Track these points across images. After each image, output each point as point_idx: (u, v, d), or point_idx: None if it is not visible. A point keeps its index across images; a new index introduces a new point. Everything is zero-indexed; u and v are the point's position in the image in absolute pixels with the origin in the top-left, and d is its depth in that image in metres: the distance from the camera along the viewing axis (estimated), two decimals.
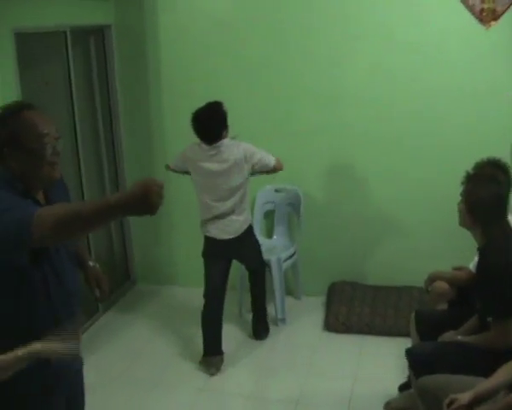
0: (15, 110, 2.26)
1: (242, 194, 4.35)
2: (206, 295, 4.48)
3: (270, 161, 4.41)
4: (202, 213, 4.40)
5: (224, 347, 4.57)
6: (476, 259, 3.35)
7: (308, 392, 4.16)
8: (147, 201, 1.90)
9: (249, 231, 4.52)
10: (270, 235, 5.52)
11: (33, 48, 4.43)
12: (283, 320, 5.08)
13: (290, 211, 5.40)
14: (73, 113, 4.87)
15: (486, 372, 2.76)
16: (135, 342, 4.78)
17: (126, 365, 4.56)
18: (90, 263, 2.80)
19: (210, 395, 4.24)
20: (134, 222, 5.71)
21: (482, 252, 3.19)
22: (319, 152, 5.23)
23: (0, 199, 2.14)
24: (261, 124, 5.25)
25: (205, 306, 4.47)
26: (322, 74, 5.07)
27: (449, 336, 3.38)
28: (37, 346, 2.10)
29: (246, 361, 4.56)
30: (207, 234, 4.42)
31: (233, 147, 4.25)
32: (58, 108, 4.80)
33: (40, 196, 2.33)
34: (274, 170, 4.48)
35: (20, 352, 2.06)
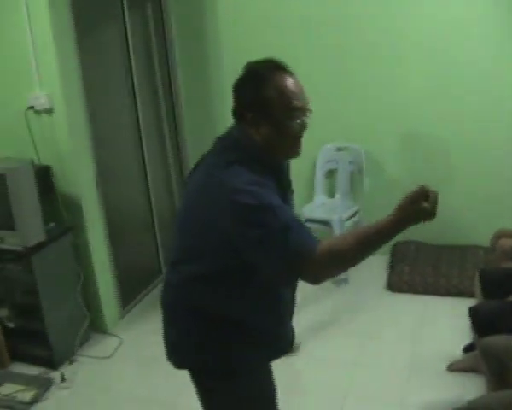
0: (268, 71, 2.07)
1: None
2: None
3: None
4: None
5: None
6: None
7: (369, 353, 4.13)
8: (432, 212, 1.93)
9: None
10: (332, 194, 5.45)
11: (90, 12, 4.44)
12: (346, 280, 5.03)
13: (352, 170, 5.31)
14: (132, 77, 4.90)
15: None
16: None
17: None
18: None
19: None
20: None
21: None
22: (381, 110, 5.13)
23: (265, 189, 1.95)
24: (323, 82, 5.17)
25: None
26: (384, 32, 4.94)
27: None
28: None
29: (306, 322, 4.54)
30: None
31: None
32: (116, 72, 4.83)
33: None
34: None
35: None
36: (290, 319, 2.38)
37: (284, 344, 2.38)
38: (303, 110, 2.08)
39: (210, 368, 2.19)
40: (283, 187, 2.15)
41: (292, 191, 2.30)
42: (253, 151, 2.05)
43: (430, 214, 1.92)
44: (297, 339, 4.11)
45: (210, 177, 2.03)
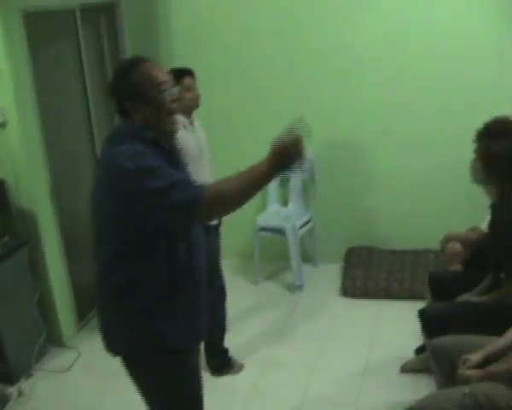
0: (133, 64, 2.34)
1: None
2: None
3: None
4: None
5: (241, 315, 4.69)
6: (489, 218, 3.36)
7: (325, 357, 4.22)
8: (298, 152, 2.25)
9: None
10: (285, 202, 5.54)
11: (43, 28, 4.44)
12: (301, 287, 5.12)
13: (305, 178, 5.41)
14: (86, 92, 4.90)
15: (499, 332, 2.78)
16: None
17: None
18: None
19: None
20: None
21: (496, 207, 3.20)
22: (334, 118, 5.22)
23: (144, 154, 2.21)
24: (274, 89, 5.27)
25: None
26: (337, 39, 5.04)
27: (463, 298, 3.41)
28: None
29: (262, 329, 4.63)
30: None
31: None
32: (70, 87, 4.83)
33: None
34: None
35: None
36: (202, 305, 2.54)
37: (198, 326, 2.53)
38: (169, 82, 2.34)
39: (137, 347, 2.41)
40: (176, 163, 2.41)
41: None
42: (136, 133, 2.30)
43: (296, 155, 2.25)
44: (239, 360, 4.22)
45: (100, 164, 2.40)
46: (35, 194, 4.25)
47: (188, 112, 3.91)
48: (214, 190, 2.20)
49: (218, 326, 4.08)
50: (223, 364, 4.20)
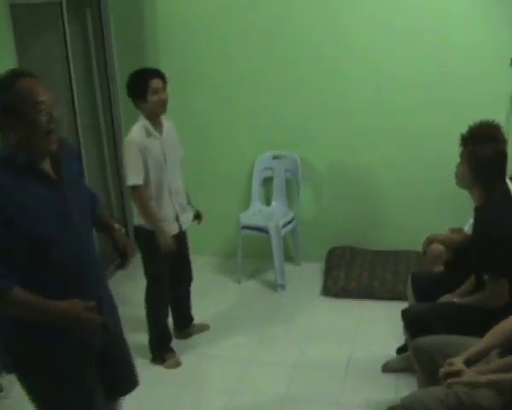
0: (10, 79, 2.23)
1: None
2: None
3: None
4: None
5: (224, 313, 4.71)
6: (471, 220, 3.39)
7: (307, 356, 4.23)
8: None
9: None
10: (268, 202, 5.55)
11: (29, 19, 4.42)
12: (283, 286, 5.13)
13: (288, 177, 5.42)
14: (71, 84, 4.88)
15: (482, 332, 2.79)
16: (138, 310, 4.81)
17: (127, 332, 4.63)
18: (116, 226, 2.81)
19: (209, 360, 4.32)
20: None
21: (480, 210, 3.23)
22: (317, 118, 5.24)
23: None
24: (258, 89, 5.27)
25: None
26: (323, 39, 5.04)
27: (445, 299, 3.43)
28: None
29: (244, 327, 4.63)
30: None
31: None
32: (56, 79, 4.81)
33: (47, 165, 2.33)
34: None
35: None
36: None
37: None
38: (47, 103, 2.23)
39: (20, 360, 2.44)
40: (50, 180, 2.32)
41: (76, 181, 2.51)
42: (6, 159, 2.24)
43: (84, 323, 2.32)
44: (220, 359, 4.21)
45: None
46: None
47: (154, 116, 3.84)
48: (15, 296, 2.20)
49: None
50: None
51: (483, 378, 2.48)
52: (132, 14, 5.40)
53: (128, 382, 2.88)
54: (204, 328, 4.58)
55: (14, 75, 2.25)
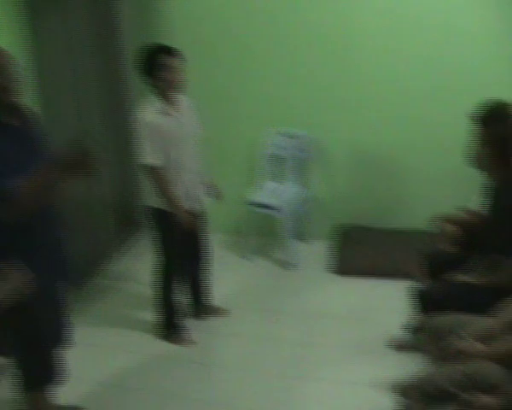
0: None
1: None
2: None
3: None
4: None
5: (234, 291, 4.75)
6: (475, 198, 3.38)
7: (317, 334, 4.25)
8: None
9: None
10: (280, 180, 5.53)
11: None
12: (292, 264, 5.14)
13: (300, 156, 5.39)
14: (83, 64, 4.85)
15: (494, 312, 2.81)
16: (149, 288, 4.82)
17: (140, 310, 4.66)
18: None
19: (222, 338, 4.36)
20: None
21: (499, 191, 3.22)
22: (329, 96, 5.20)
23: None
24: (269, 69, 5.23)
25: None
26: (334, 20, 4.99)
27: (458, 279, 3.43)
28: None
29: (255, 305, 4.65)
30: None
31: None
32: (66, 59, 4.78)
33: (16, 121, 2.74)
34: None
35: None
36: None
37: None
38: (1, 65, 2.63)
39: None
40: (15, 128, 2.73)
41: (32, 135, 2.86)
42: None
43: (83, 165, 2.57)
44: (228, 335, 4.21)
45: None
46: None
47: (165, 94, 3.77)
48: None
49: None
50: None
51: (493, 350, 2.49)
52: None
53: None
54: (224, 312, 4.55)
55: None
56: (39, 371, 3.15)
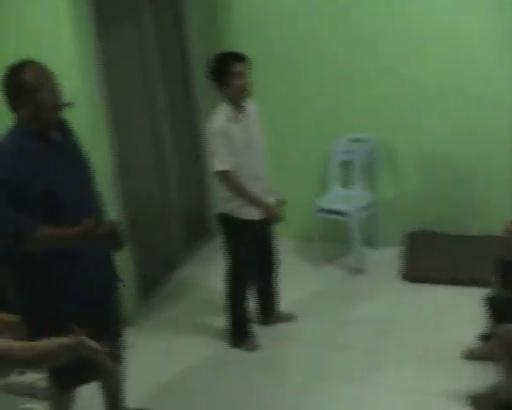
0: (18, 66, 2.67)
1: None
2: None
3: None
4: None
5: (302, 297, 4.71)
6: None
7: (386, 342, 4.17)
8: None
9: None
10: (347, 185, 5.49)
11: (109, 9, 4.48)
12: (361, 270, 5.08)
13: (367, 160, 5.34)
14: (149, 71, 4.95)
15: None
16: (215, 294, 4.85)
17: (206, 316, 4.70)
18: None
19: (288, 344, 4.33)
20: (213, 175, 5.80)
21: None
22: (397, 100, 5.14)
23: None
24: (337, 74, 5.21)
25: None
26: (402, 26, 4.95)
27: None
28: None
29: (323, 312, 4.61)
30: None
31: None
32: (134, 66, 4.88)
33: (56, 134, 2.80)
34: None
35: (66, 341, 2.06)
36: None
37: None
38: (47, 85, 2.68)
39: None
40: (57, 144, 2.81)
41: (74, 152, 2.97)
42: (20, 125, 2.71)
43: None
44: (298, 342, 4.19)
45: None
46: (99, 173, 4.28)
47: (236, 100, 3.81)
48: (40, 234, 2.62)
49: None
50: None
51: None
52: (210, 3, 5.42)
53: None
54: (291, 318, 4.53)
55: (21, 64, 2.68)
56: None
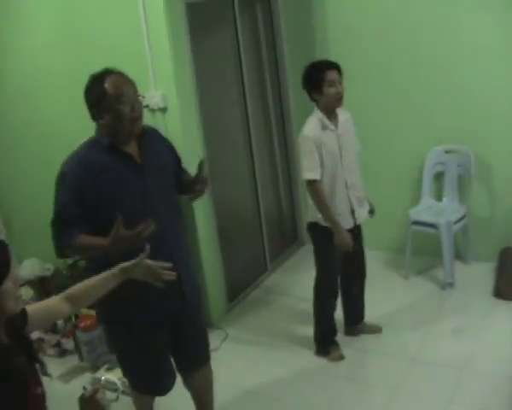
0: (100, 76, 2.69)
1: None
2: None
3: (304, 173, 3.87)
4: None
5: (390, 309, 4.67)
6: None
7: (475, 359, 4.05)
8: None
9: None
10: (439, 197, 5.37)
11: (203, 16, 4.59)
12: (451, 284, 4.96)
13: (461, 172, 5.20)
14: (242, 77, 5.02)
15: None
16: (301, 302, 4.87)
17: (290, 324, 4.72)
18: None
19: (373, 356, 4.29)
20: (303, 183, 5.81)
21: None
22: (493, 112, 4.98)
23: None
24: (430, 80, 5.11)
25: None
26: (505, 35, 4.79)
27: None
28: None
29: (410, 324, 4.54)
30: None
31: None
32: (227, 74, 4.97)
33: (132, 147, 2.79)
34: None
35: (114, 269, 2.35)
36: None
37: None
38: (128, 96, 2.68)
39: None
40: (131, 161, 2.78)
41: (160, 167, 2.92)
42: (96, 136, 2.78)
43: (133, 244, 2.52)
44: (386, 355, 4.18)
45: None
46: None
47: (329, 109, 3.81)
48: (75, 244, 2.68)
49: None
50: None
51: None
52: (302, 6, 5.44)
53: (195, 355, 3.22)
54: (376, 330, 4.48)
55: (104, 73, 2.71)
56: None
